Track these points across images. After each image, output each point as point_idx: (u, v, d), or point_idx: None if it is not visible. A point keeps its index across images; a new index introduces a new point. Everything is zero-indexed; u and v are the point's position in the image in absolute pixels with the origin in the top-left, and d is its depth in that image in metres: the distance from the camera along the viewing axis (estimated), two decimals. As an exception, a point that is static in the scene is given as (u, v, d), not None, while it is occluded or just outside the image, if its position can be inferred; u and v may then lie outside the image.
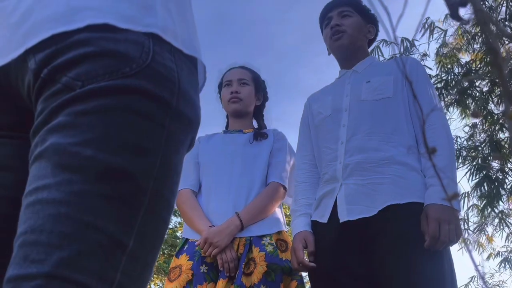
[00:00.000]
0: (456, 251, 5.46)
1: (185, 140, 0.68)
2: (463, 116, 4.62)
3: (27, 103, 0.65)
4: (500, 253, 5.44)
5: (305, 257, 1.48)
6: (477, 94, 4.38)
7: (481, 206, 4.51)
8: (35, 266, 0.52)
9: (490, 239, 5.32)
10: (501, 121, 4.29)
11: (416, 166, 1.42)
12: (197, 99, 0.71)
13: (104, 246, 0.55)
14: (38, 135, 0.60)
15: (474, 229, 4.98)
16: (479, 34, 4.05)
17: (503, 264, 5.38)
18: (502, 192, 4.30)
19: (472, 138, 4.58)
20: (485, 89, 4.36)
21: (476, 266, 0.38)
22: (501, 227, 4.74)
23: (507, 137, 4.36)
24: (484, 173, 4.25)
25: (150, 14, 0.66)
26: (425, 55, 4.55)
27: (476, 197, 4.51)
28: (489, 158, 4.34)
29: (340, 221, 1.41)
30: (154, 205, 0.61)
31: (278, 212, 1.77)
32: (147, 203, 0.59)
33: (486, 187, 4.27)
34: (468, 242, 5.02)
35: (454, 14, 0.35)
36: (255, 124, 1.97)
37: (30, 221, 0.54)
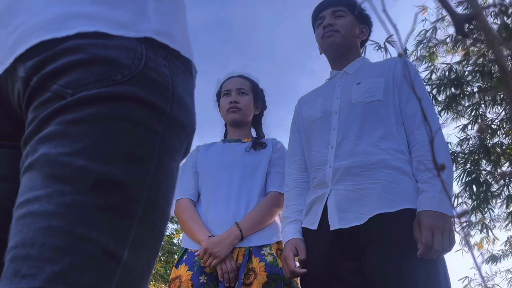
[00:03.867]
0: (454, 252, 5.48)
1: (180, 147, 0.66)
2: (454, 118, 4.64)
3: (18, 112, 0.64)
4: (496, 256, 5.49)
5: (297, 265, 1.45)
6: (469, 93, 4.39)
7: (470, 207, 4.55)
8: (26, 281, 0.50)
9: (490, 240, 5.35)
10: (493, 125, 4.33)
11: (407, 170, 1.39)
12: (192, 105, 0.69)
13: (98, 258, 0.53)
14: (28, 145, 0.58)
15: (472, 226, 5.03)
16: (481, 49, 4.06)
17: (490, 261, 5.43)
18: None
19: (466, 142, 4.60)
20: (475, 89, 4.38)
21: (479, 268, 0.39)
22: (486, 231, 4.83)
23: (497, 142, 4.40)
24: (474, 176, 4.30)
25: (143, 19, 0.65)
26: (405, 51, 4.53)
27: (466, 197, 4.57)
28: (480, 162, 4.39)
29: (331, 229, 1.39)
30: (149, 214, 0.59)
31: (278, 222, 1.77)
32: (141, 213, 0.58)
33: (474, 189, 4.32)
34: (469, 244, 5.04)
35: (460, 30, 0.35)
36: (253, 133, 1.97)
37: (21, 234, 0.53)
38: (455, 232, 1.27)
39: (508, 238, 5.35)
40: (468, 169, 4.32)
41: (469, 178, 4.30)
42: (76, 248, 0.52)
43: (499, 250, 5.46)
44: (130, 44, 0.61)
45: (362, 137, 1.44)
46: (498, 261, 5.43)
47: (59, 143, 0.56)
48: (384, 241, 1.29)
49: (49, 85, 0.58)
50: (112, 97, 0.58)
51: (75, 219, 0.53)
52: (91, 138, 0.56)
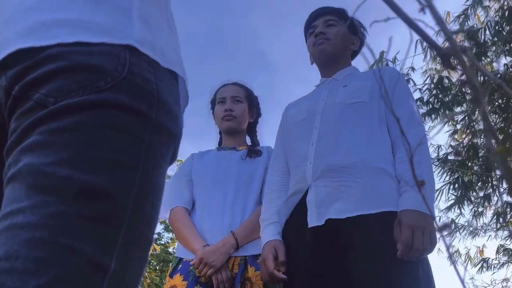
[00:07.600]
0: (448, 266, 5.48)
1: (166, 153, 0.65)
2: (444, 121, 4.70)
3: (1, 121, 0.63)
4: (492, 266, 5.48)
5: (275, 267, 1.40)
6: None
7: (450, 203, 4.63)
8: None
9: (481, 253, 5.39)
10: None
11: (390, 172, 1.36)
12: (178, 110, 0.68)
13: (84, 270, 0.52)
14: (11, 156, 0.57)
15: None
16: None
17: (484, 267, 5.46)
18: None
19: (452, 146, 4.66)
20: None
21: (462, 280, 0.38)
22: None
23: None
24: (456, 176, 4.36)
25: (127, 26, 0.64)
26: (413, 68, 4.63)
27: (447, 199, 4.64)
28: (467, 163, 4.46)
29: (309, 226, 1.35)
30: (136, 223, 0.58)
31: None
32: (128, 221, 0.57)
33: (457, 186, 4.38)
34: (453, 254, 5.06)
35: (446, 63, 0.36)
36: (248, 141, 1.96)
37: (5, 247, 0.52)
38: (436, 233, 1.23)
39: (498, 247, 5.37)
40: (451, 167, 4.39)
41: (453, 177, 4.38)
42: (61, 260, 0.51)
43: (494, 259, 5.47)
44: (113, 50, 0.61)
45: (344, 135, 1.43)
46: (491, 270, 5.44)
47: (42, 153, 0.55)
48: (365, 244, 1.26)
49: (31, 94, 0.57)
50: (95, 105, 0.57)
51: (59, 230, 0.52)
52: (75, 147, 0.55)
